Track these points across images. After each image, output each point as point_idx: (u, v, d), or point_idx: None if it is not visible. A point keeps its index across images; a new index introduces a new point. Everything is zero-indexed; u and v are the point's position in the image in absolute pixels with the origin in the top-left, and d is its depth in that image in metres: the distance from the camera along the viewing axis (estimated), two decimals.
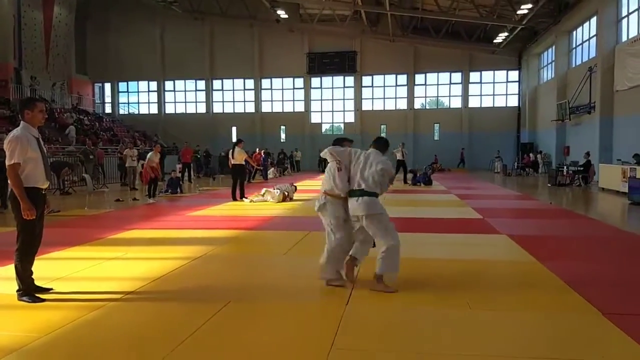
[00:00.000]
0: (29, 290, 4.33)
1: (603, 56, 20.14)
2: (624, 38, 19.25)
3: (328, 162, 4.81)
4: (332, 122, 35.20)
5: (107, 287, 4.78)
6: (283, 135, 34.80)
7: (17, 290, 4.34)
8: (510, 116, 32.66)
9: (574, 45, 24.69)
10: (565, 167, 19.58)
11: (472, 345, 3.35)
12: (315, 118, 34.91)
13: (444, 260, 5.89)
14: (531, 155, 28.13)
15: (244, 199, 13.21)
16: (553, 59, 26.98)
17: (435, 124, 33.44)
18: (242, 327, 3.73)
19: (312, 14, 31.60)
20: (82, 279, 5.14)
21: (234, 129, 34.40)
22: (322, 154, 4.93)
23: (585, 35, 22.98)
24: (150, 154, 13.92)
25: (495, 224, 8.59)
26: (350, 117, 34.38)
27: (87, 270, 5.52)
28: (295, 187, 14.14)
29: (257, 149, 24.53)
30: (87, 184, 13.82)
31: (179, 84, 35.82)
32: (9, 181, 4.24)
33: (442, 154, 31.63)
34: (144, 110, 36.64)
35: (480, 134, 32.10)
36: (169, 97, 36.06)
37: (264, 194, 13.02)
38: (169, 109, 36.04)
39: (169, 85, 35.84)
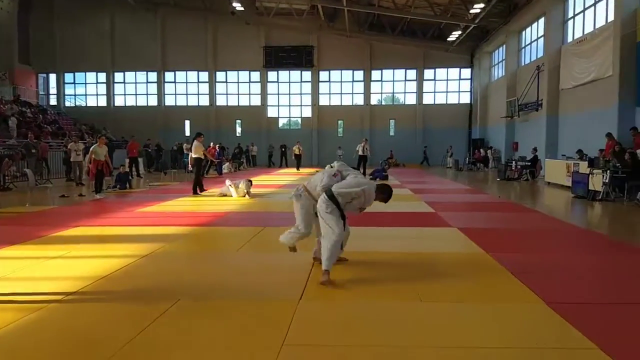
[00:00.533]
0: None
1: (550, 56, 20.90)
2: (570, 39, 20.03)
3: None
4: (289, 117, 35.06)
5: (48, 287, 4.56)
6: (239, 129, 34.37)
7: None
8: (462, 113, 33.48)
9: (523, 45, 25.50)
10: (513, 162, 20.24)
11: (422, 337, 3.38)
12: (272, 112, 34.65)
13: (397, 254, 5.95)
14: (482, 150, 28.93)
15: (200, 192, 13.25)
16: (504, 57, 27.79)
17: (391, 120, 33.87)
18: (191, 326, 3.61)
19: (268, 7, 31.28)
20: (21, 279, 4.88)
21: (187, 123, 33.74)
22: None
23: (534, 35, 23.78)
24: (94, 146, 13.34)
25: (446, 218, 8.76)
26: (307, 112, 34.34)
27: (27, 269, 5.24)
28: (251, 182, 13.98)
29: (212, 143, 24.15)
30: (28, 179, 13.15)
31: (130, 75, 34.68)
32: None
33: (398, 149, 32.11)
34: (91, 102, 35.19)
35: (434, 130, 32.76)
36: (118, 89, 34.84)
37: (228, 187, 12.89)
38: (119, 101, 34.82)
39: (118, 76, 34.62)
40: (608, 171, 11.93)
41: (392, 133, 33.81)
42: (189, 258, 6.04)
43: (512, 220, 8.77)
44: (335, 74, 34.07)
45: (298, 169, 26.14)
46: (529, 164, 19.18)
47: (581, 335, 3.34)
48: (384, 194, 4.94)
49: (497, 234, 7.44)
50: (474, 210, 10.40)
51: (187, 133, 32.54)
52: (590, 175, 12.26)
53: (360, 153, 19.74)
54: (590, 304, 4.05)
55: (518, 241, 6.85)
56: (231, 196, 12.51)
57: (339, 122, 33.85)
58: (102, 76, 34.58)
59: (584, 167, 13.26)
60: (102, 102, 34.78)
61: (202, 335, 3.44)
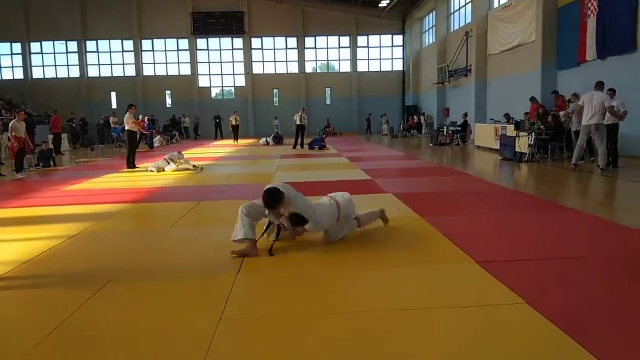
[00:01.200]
0: None
1: (477, 21, 21.45)
2: (496, 4, 20.60)
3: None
4: (222, 86, 34.13)
5: None
6: (169, 100, 33.10)
7: None
8: (396, 80, 33.94)
9: (452, 10, 25.99)
10: (445, 127, 20.85)
11: (363, 302, 3.41)
12: (203, 82, 33.58)
13: None
14: (415, 117, 29.59)
15: (133, 166, 13.06)
16: (434, 23, 28.24)
17: (327, 88, 33.83)
18: (123, 309, 3.46)
19: None
20: None
21: (113, 94, 32.11)
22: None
23: (463, 0, 24.25)
24: (12, 122, 12.44)
25: (382, 184, 8.91)
26: (240, 81, 33.58)
27: None
28: (183, 155, 13.59)
29: (140, 116, 23.14)
30: None
31: (47, 45, 32.33)
32: None
33: (334, 117, 32.21)
34: (7, 75, 32.58)
35: (369, 97, 33.05)
36: (36, 60, 32.41)
37: (166, 161, 12.51)
38: (37, 73, 32.43)
39: (35, 47, 32.20)
40: (533, 133, 12.53)
41: (328, 101, 33.82)
42: (120, 237, 5.77)
43: (444, 184, 9.05)
44: (268, 41, 33.37)
45: (235, 140, 25.59)
46: (460, 128, 19.83)
47: (509, 292, 3.50)
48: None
49: (430, 197, 7.66)
50: (408, 175, 10.64)
51: (114, 105, 31.02)
52: (517, 138, 12.84)
53: (298, 122, 19.61)
54: (516, 261, 4.25)
55: (450, 204, 7.07)
56: (164, 171, 12.14)
57: (274, 91, 33.40)
58: (17, 47, 31.99)
59: (510, 130, 13.85)
60: (19, 74, 32.25)
61: (135, 316, 3.30)
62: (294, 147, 19.67)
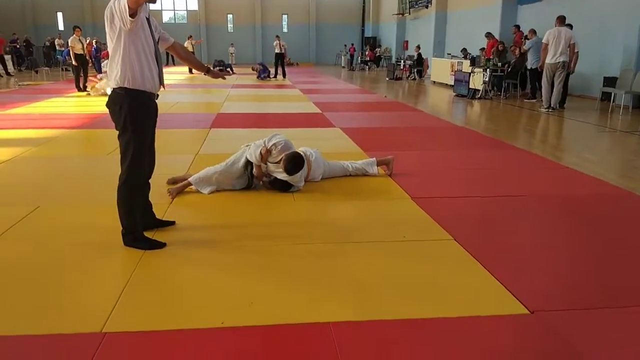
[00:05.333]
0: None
1: None
2: None
3: None
4: (174, 10, 32.29)
5: None
6: None
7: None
8: (356, 8, 32.95)
9: None
10: (402, 61, 20.57)
11: (301, 235, 3.35)
12: (154, 4, 31.44)
13: None
14: (374, 49, 29.04)
15: (84, 89, 13.06)
16: None
17: (284, 15, 32.54)
18: (47, 234, 3.34)
19: None
20: None
21: (59, 15, 29.91)
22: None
23: None
24: None
25: (331, 118, 8.77)
26: (193, 5, 31.82)
27: None
28: None
29: (88, 39, 21.70)
30: None
31: None
32: None
33: (291, 47, 31.18)
34: None
35: (327, 26, 32.08)
36: None
37: (99, 82, 12.19)
38: None
39: None
40: (488, 70, 12.50)
41: (285, 29, 32.64)
42: (55, 163, 5.52)
43: (393, 120, 8.99)
44: None
45: (191, 71, 24.36)
46: (415, 63, 19.57)
47: (440, 228, 3.52)
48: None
49: (377, 133, 7.60)
50: (359, 110, 10.51)
51: (61, 27, 29.02)
52: (471, 74, 12.80)
53: (277, 51, 19.24)
54: (453, 198, 4.28)
55: (396, 140, 7.02)
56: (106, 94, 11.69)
57: (229, 16, 31.89)
58: None
59: (466, 66, 13.78)
60: None
61: (59, 242, 3.16)
62: (275, 76, 19.30)
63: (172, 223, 3.48)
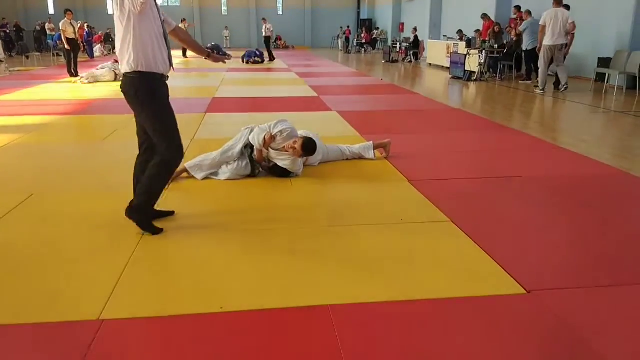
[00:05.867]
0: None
1: None
2: None
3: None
4: None
5: None
6: (110, 7, 30.70)
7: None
8: None
9: None
10: (398, 44, 20.44)
11: (297, 217, 3.36)
12: None
13: None
14: (371, 32, 28.81)
15: (76, 74, 12.88)
16: None
17: None
18: (42, 222, 3.32)
19: None
20: None
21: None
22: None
23: None
24: None
25: (328, 102, 8.74)
26: None
27: None
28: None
29: (79, 22, 21.46)
30: None
31: None
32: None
33: (287, 30, 30.98)
34: None
35: (322, 9, 31.78)
36: None
37: (97, 71, 12.18)
38: None
39: None
40: (484, 52, 12.43)
41: (280, 12, 32.32)
42: (48, 150, 5.47)
43: (390, 102, 8.96)
44: None
45: (185, 55, 24.06)
46: (412, 45, 19.45)
47: (437, 210, 3.54)
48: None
49: (373, 116, 7.58)
50: (356, 93, 10.47)
51: (51, 11, 28.64)
52: (467, 56, 12.73)
53: (265, 34, 19.36)
54: (449, 180, 4.29)
55: (392, 123, 7.01)
56: (103, 81, 11.76)
57: (223, 0, 31.53)
58: None
59: (462, 48, 13.69)
60: None
61: (53, 231, 3.15)
62: (270, 59, 19.40)
63: (172, 213, 3.44)
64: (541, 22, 9.80)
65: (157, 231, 3.11)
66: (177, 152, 3.11)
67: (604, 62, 10.66)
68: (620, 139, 6.16)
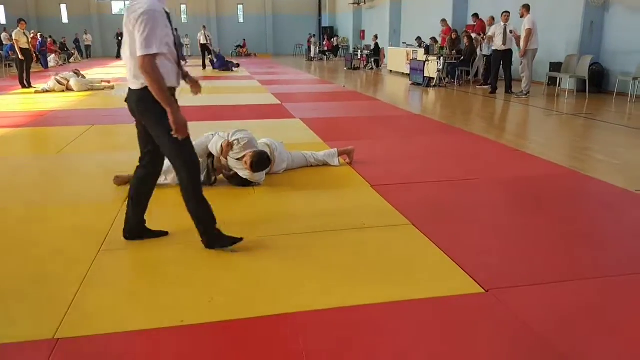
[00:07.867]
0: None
1: None
2: None
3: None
4: (124, 1, 31.29)
5: None
6: (65, 16, 30.00)
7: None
8: None
9: None
10: (359, 51, 20.65)
11: (267, 224, 3.34)
12: None
13: None
14: (332, 40, 29.01)
15: (29, 85, 12.61)
16: None
17: (239, 5, 32.07)
18: (8, 237, 3.20)
19: None
20: None
21: (1, 9, 28.52)
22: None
23: None
24: None
25: (291, 109, 8.75)
26: None
27: None
28: (83, 75, 12.60)
29: (33, 32, 20.84)
30: None
31: None
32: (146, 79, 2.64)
33: (248, 38, 30.89)
34: None
35: (283, 16, 31.83)
36: None
37: (56, 81, 11.87)
38: None
39: None
40: (442, 58, 12.70)
41: (241, 20, 32.21)
42: (1, 163, 5.27)
43: (352, 109, 9.04)
44: None
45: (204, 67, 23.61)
46: (373, 52, 19.68)
47: (398, 214, 3.58)
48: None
49: (337, 123, 7.63)
50: (318, 100, 10.51)
51: (3, 21, 27.70)
52: (426, 63, 12.98)
53: (202, 42, 18.98)
54: (410, 184, 4.36)
55: (355, 129, 7.08)
56: (54, 91, 11.52)
57: (182, 6, 31.18)
58: None
59: (421, 54, 13.95)
60: None
61: (5, 249, 3.03)
62: (203, 68, 18.98)
63: (165, 234, 3.29)
64: (529, 26, 10.01)
65: (237, 240, 3.04)
66: (197, 167, 2.98)
67: (556, 66, 11.06)
68: (572, 140, 6.41)
